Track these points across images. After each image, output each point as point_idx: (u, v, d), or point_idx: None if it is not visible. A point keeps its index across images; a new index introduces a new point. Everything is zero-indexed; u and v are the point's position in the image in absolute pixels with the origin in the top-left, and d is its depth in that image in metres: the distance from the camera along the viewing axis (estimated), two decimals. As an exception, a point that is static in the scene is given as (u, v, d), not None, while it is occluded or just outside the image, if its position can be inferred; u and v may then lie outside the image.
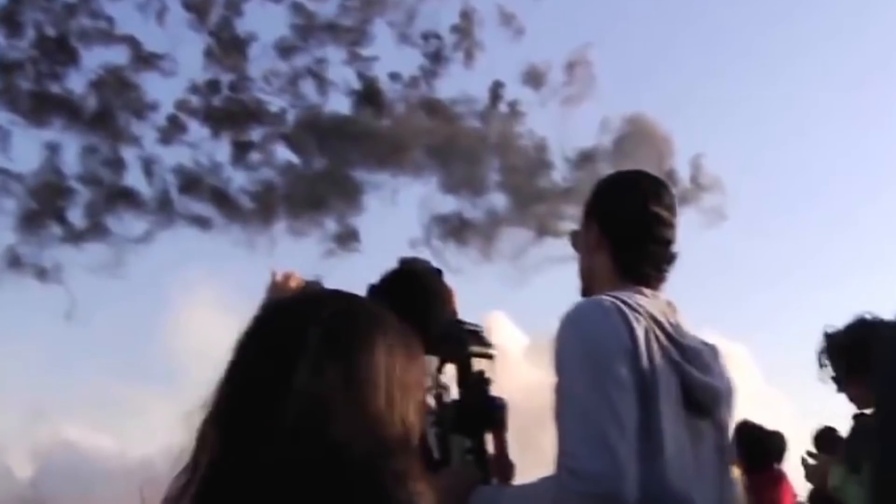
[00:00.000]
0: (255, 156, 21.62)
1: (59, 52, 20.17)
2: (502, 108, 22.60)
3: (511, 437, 3.63)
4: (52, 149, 20.49)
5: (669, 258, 3.46)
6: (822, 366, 5.55)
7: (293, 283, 3.43)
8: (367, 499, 1.74)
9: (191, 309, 23.09)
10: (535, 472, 3.24)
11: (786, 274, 35.15)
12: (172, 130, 21.08)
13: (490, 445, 3.57)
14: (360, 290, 3.60)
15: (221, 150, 21.44)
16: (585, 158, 22.31)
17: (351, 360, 1.83)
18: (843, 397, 5.47)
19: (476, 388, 3.55)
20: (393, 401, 1.84)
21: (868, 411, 5.24)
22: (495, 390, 3.58)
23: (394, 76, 22.11)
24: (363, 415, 1.79)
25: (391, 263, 3.99)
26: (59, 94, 20.45)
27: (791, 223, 36.23)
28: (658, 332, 3.22)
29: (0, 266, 20.00)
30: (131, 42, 20.73)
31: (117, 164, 20.88)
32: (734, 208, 23.67)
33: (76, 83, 20.61)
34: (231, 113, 21.33)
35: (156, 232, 21.07)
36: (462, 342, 3.58)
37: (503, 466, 3.59)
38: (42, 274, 20.31)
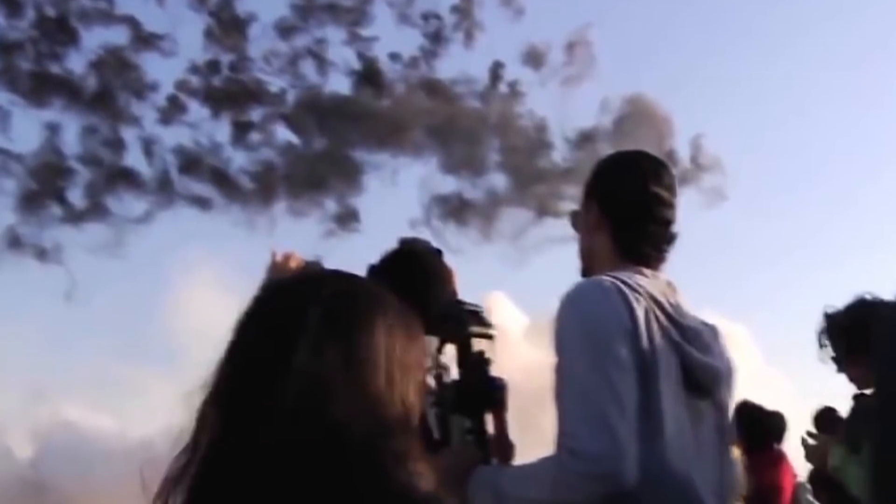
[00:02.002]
0: (255, 136, 21.59)
1: (59, 32, 20.11)
2: (502, 88, 22.56)
3: (511, 417, 3.64)
4: (52, 129, 20.43)
5: (669, 238, 3.47)
6: (821, 346, 5.55)
7: (293, 264, 3.43)
8: (367, 479, 1.74)
9: (191, 289, 23.06)
10: (535, 452, 3.24)
11: (786, 254, 35.06)
12: (172, 111, 21.04)
13: (490, 426, 3.58)
14: (360, 271, 3.60)
15: (221, 131, 21.40)
16: (585, 139, 22.27)
17: (351, 341, 1.83)
18: (843, 377, 5.48)
19: (476, 369, 3.56)
20: (393, 381, 1.84)
21: (868, 392, 5.24)
22: (495, 370, 3.59)
23: (394, 56, 22.06)
24: (363, 395, 1.79)
25: (391, 244, 3.99)
26: (59, 74, 20.41)
27: (791, 203, 36.14)
28: (658, 313, 3.23)
29: (0, 246, 20.00)
30: (131, 22, 20.67)
31: (117, 145, 20.84)
32: (734, 188, 23.59)
33: (76, 63, 20.57)
34: (231, 93, 21.29)
35: (156, 212, 21.02)
36: (462, 322, 3.58)
37: (503, 447, 3.60)
38: (42, 254, 20.29)
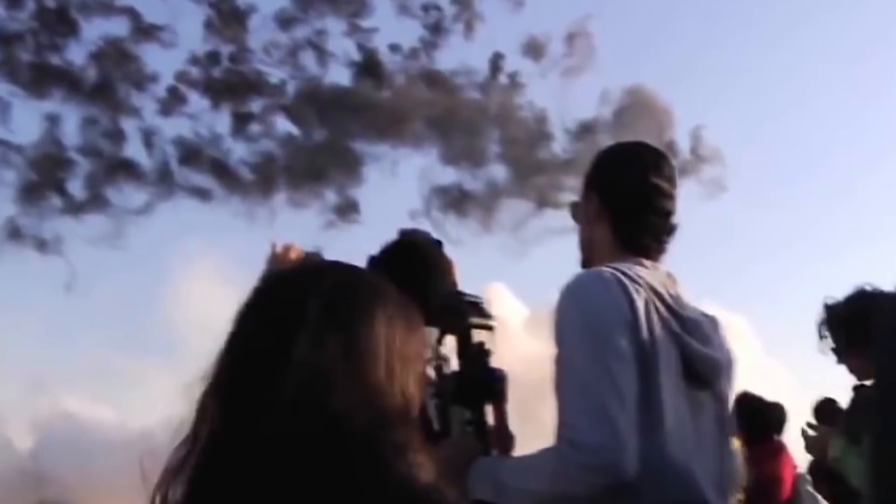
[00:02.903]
0: (255, 127, 21.60)
1: (60, 23, 20.11)
2: (502, 79, 22.56)
3: (511, 408, 3.64)
4: (52, 120, 20.45)
5: (669, 229, 3.47)
6: (822, 337, 5.56)
7: (293, 255, 3.43)
8: (367, 470, 1.74)
9: (191, 280, 23.06)
10: (535, 443, 3.24)
11: (786, 245, 35.05)
12: (172, 102, 21.05)
13: (490, 417, 3.59)
14: (361, 262, 3.61)
15: (221, 122, 21.41)
16: (585, 130, 22.26)
17: (351, 332, 1.83)
18: (843, 369, 5.49)
19: (476, 360, 3.56)
20: (393, 372, 1.84)
21: (868, 383, 5.25)
22: (495, 362, 3.59)
23: (394, 48, 22.05)
24: (363, 386, 1.79)
25: (391, 235, 3.99)
26: (59, 65, 20.42)
27: (791, 195, 36.09)
28: (658, 304, 3.23)
29: (0, 237, 20.00)
30: (131, 13, 20.67)
31: (117, 136, 20.85)
32: (734, 180, 23.60)
33: (76, 55, 20.58)
34: (231, 84, 21.28)
35: (156, 203, 21.03)
36: (462, 313, 3.58)
37: (503, 438, 3.60)
38: (42, 245, 20.31)
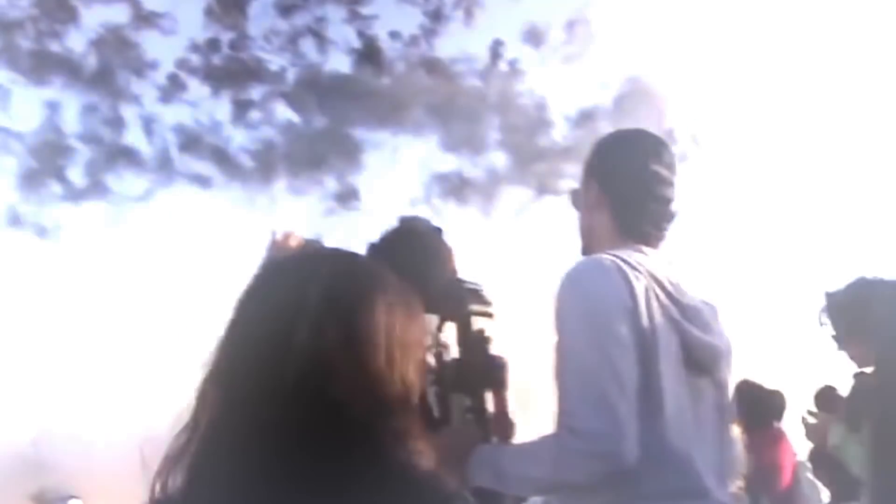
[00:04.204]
0: (255, 114, 21.58)
1: (59, 10, 20.10)
2: (502, 66, 22.54)
3: (511, 395, 3.64)
4: (53, 107, 20.45)
5: (669, 217, 3.46)
6: (822, 325, 5.56)
7: (293, 242, 3.43)
8: (367, 458, 1.74)
9: (191, 267, 23.06)
10: (535, 431, 3.24)
11: (786, 233, 35.06)
12: (172, 89, 21.02)
13: (490, 404, 3.58)
14: (360, 249, 3.60)
15: (221, 109, 21.38)
16: (585, 117, 22.23)
17: (351, 319, 1.83)
18: (843, 356, 5.49)
19: (476, 347, 3.56)
20: (393, 360, 1.84)
21: (868, 370, 5.25)
22: (495, 349, 3.58)
23: (394, 35, 22.01)
24: (363, 374, 1.79)
25: (391, 222, 3.99)
26: (59, 52, 20.42)
27: (791, 182, 36.10)
28: (658, 291, 3.22)
29: (0, 224, 19.98)
30: (131, 0, 20.67)
31: (117, 123, 20.82)
32: (734, 167, 23.58)
33: (76, 42, 20.57)
34: (231, 71, 21.26)
35: (156, 190, 21.04)
36: (462, 301, 3.58)
37: (503, 425, 3.60)
38: (42, 232, 20.31)
